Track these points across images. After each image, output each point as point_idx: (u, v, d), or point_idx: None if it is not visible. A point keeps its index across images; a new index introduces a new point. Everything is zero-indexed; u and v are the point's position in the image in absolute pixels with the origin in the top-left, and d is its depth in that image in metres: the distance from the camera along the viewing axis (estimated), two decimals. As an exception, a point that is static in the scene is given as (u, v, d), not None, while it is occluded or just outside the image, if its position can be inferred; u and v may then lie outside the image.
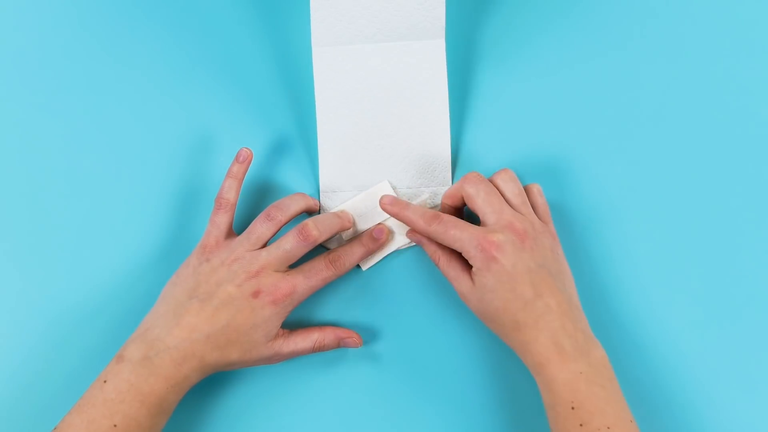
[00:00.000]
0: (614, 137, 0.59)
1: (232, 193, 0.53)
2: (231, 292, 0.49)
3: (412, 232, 0.54)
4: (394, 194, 0.56)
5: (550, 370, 0.47)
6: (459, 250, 0.50)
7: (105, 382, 0.47)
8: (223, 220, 0.53)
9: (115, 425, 0.45)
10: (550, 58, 0.61)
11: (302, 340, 0.52)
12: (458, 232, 0.49)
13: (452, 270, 0.51)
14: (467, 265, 0.51)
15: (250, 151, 0.54)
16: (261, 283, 0.49)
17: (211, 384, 0.53)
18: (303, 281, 0.51)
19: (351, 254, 0.53)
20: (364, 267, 0.56)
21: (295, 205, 0.53)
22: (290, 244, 0.51)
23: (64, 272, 0.56)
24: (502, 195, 0.52)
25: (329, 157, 0.58)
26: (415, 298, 0.56)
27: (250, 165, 0.55)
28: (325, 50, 0.58)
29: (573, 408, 0.46)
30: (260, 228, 0.52)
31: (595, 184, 0.58)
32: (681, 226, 0.57)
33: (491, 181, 0.53)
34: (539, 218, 0.53)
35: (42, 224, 0.57)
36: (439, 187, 0.58)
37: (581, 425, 0.45)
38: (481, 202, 0.51)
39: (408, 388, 0.54)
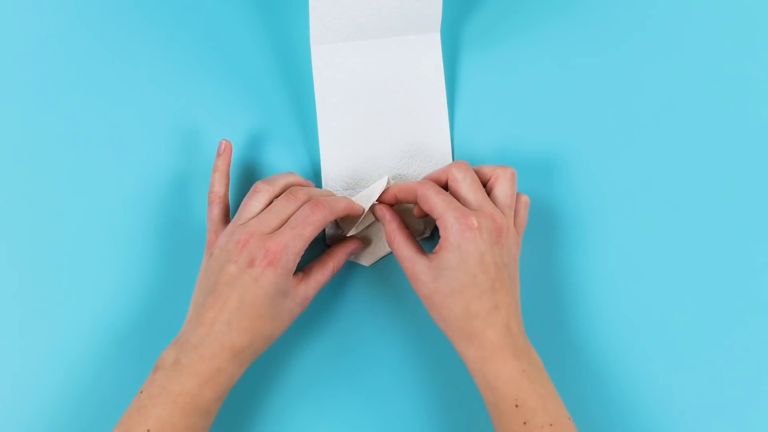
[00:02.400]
0: (607, 133, 0.59)
1: (220, 187, 0.54)
2: (231, 272, 0.48)
3: (379, 206, 0.53)
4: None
5: (494, 365, 0.47)
6: (437, 215, 0.49)
7: (141, 392, 0.47)
8: (216, 213, 0.53)
9: (148, 430, 0.45)
10: (545, 52, 0.61)
11: (321, 274, 0.52)
12: (446, 198, 0.49)
13: (407, 249, 0.50)
14: (423, 249, 0.51)
15: (228, 142, 0.55)
16: (251, 250, 0.48)
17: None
18: (291, 232, 0.49)
19: (335, 199, 0.52)
20: (368, 263, 0.56)
21: (283, 179, 0.53)
22: (276, 206, 0.50)
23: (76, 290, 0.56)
24: (495, 189, 0.51)
25: (331, 155, 0.58)
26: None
27: (250, 165, 0.56)
28: (324, 48, 0.58)
29: (517, 405, 0.46)
30: (249, 203, 0.51)
31: (586, 179, 0.59)
32: (669, 226, 0.58)
33: (494, 171, 0.52)
34: (515, 228, 0.52)
35: (42, 229, 0.57)
36: None
37: (525, 423, 0.46)
38: (466, 187, 0.50)
39: (411, 386, 0.55)
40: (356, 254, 0.56)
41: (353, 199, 0.56)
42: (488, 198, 0.50)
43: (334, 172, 0.58)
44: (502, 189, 0.51)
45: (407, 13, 0.57)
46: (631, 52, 0.61)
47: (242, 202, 0.52)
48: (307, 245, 0.49)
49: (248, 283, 0.48)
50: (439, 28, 0.59)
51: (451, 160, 0.58)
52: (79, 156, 0.59)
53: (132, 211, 0.58)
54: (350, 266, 0.57)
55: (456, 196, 0.50)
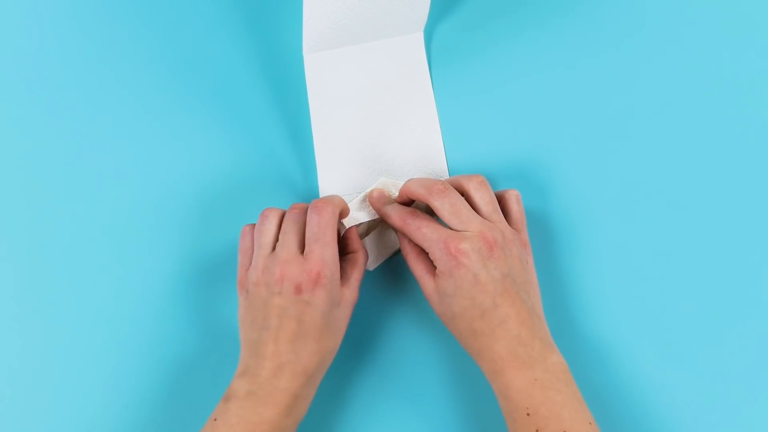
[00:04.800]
0: (593, 140, 0.60)
1: (271, 227, 0.52)
2: (280, 304, 0.48)
3: (392, 219, 0.53)
4: (395, 186, 0.56)
5: (505, 378, 0.47)
6: (426, 249, 0.49)
7: (215, 420, 0.47)
8: (248, 245, 0.52)
9: None
10: (530, 58, 0.62)
11: (357, 272, 0.51)
12: (429, 232, 0.49)
13: (418, 269, 0.51)
14: (433, 266, 0.50)
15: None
16: (293, 277, 0.48)
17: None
18: (320, 245, 0.49)
19: (330, 196, 0.52)
20: (371, 268, 0.56)
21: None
22: (288, 226, 0.50)
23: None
24: (473, 203, 0.51)
25: (326, 162, 0.58)
26: (422, 298, 0.55)
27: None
28: (315, 56, 0.60)
29: (528, 414, 0.46)
30: (263, 230, 0.51)
31: (571, 186, 0.59)
32: (664, 231, 0.57)
33: (462, 186, 0.52)
34: (512, 225, 0.52)
35: (39, 237, 0.57)
36: (437, 178, 0.58)
37: (537, 431, 0.46)
38: (447, 214, 0.49)
39: (415, 388, 0.54)
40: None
41: (351, 204, 0.56)
42: (473, 214, 0.50)
43: (330, 179, 0.58)
44: (479, 198, 0.51)
45: (396, 17, 0.58)
46: (626, 53, 0.62)
47: (257, 231, 0.51)
48: (336, 247, 0.49)
49: (302, 309, 0.48)
50: (423, 28, 0.60)
51: (444, 157, 0.59)
52: (69, 167, 0.59)
53: (120, 221, 0.58)
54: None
55: (443, 221, 0.51)
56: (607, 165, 0.59)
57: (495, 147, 0.60)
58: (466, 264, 0.47)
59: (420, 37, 0.60)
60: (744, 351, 0.55)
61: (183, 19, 0.63)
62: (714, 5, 0.63)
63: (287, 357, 0.47)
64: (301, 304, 0.48)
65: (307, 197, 0.59)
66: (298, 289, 0.48)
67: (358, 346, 0.55)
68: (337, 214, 0.51)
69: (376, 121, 0.59)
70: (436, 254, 0.49)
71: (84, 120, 0.61)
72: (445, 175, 0.59)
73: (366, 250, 0.53)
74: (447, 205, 0.50)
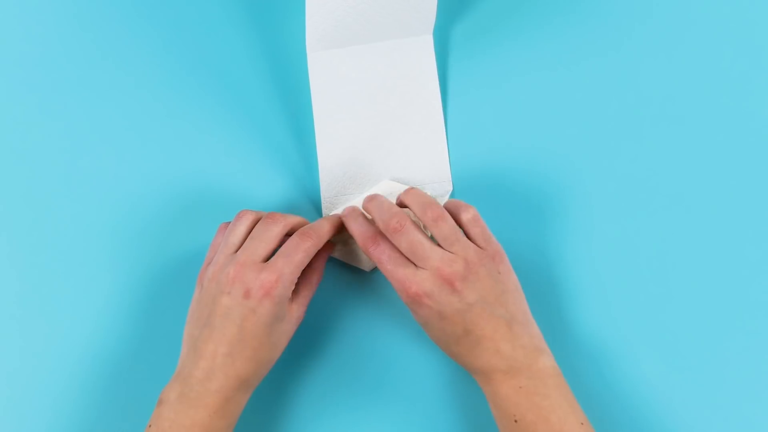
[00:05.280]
0: (596, 143, 0.59)
1: (243, 229, 0.52)
2: (226, 303, 0.48)
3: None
4: (397, 190, 0.56)
5: (491, 387, 0.49)
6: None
7: (150, 426, 0.47)
8: (217, 241, 0.53)
9: None
10: (537, 56, 0.61)
11: (309, 290, 0.52)
12: (391, 268, 0.49)
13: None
14: None
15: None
16: (245, 281, 0.48)
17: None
18: (285, 261, 0.49)
19: (320, 225, 0.52)
20: (369, 268, 0.56)
21: (263, 212, 0.53)
22: (258, 232, 0.50)
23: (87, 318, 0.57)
24: (433, 237, 0.50)
25: (329, 161, 0.58)
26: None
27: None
28: (320, 55, 0.59)
29: (516, 421, 0.47)
30: (234, 228, 0.51)
31: (572, 187, 0.59)
32: (670, 231, 0.58)
33: (418, 217, 0.51)
34: (477, 245, 0.50)
35: (34, 236, 0.58)
36: (440, 182, 0.58)
37: None
38: (406, 252, 0.49)
39: (414, 391, 0.55)
40: (356, 260, 0.56)
41: (353, 204, 0.56)
42: (431, 248, 0.48)
43: (332, 179, 0.58)
44: (439, 234, 0.49)
45: (401, 18, 0.57)
46: (629, 55, 0.61)
47: (227, 230, 0.52)
48: (300, 272, 0.50)
49: (246, 314, 0.48)
50: (431, 30, 0.59)
51: (447, 160, 0.58)
52: (72, 162, 0.59)
53: (124, 218, 0.58)
54: (353, 272, 0.57)
55: None
56: (608, 166, 0.59)
57: (500, 150, 0.59)
58: (428, 304, 0.48)
59: (429, 39, 0.59)
60: (740, 353, 0.55)
61: (187, 17, 0.63)
62: (719, 4, 0.63)
63: (222, 359, 0.48)
64: (246, 310, 0.48)
65: (309, 197, 0.59)
66: (247, 294, 0.48)
67: (357, 348, 0.56)
68: (320, 245, 0.51)
69: (379, 122, 0.59)
70: (397, 292, 0.49)
71: (87, 117, 0.61)
72: (448, 180, 0.58)
73: (322, 271, 0.53)
74: (404, 244, 0.49)
